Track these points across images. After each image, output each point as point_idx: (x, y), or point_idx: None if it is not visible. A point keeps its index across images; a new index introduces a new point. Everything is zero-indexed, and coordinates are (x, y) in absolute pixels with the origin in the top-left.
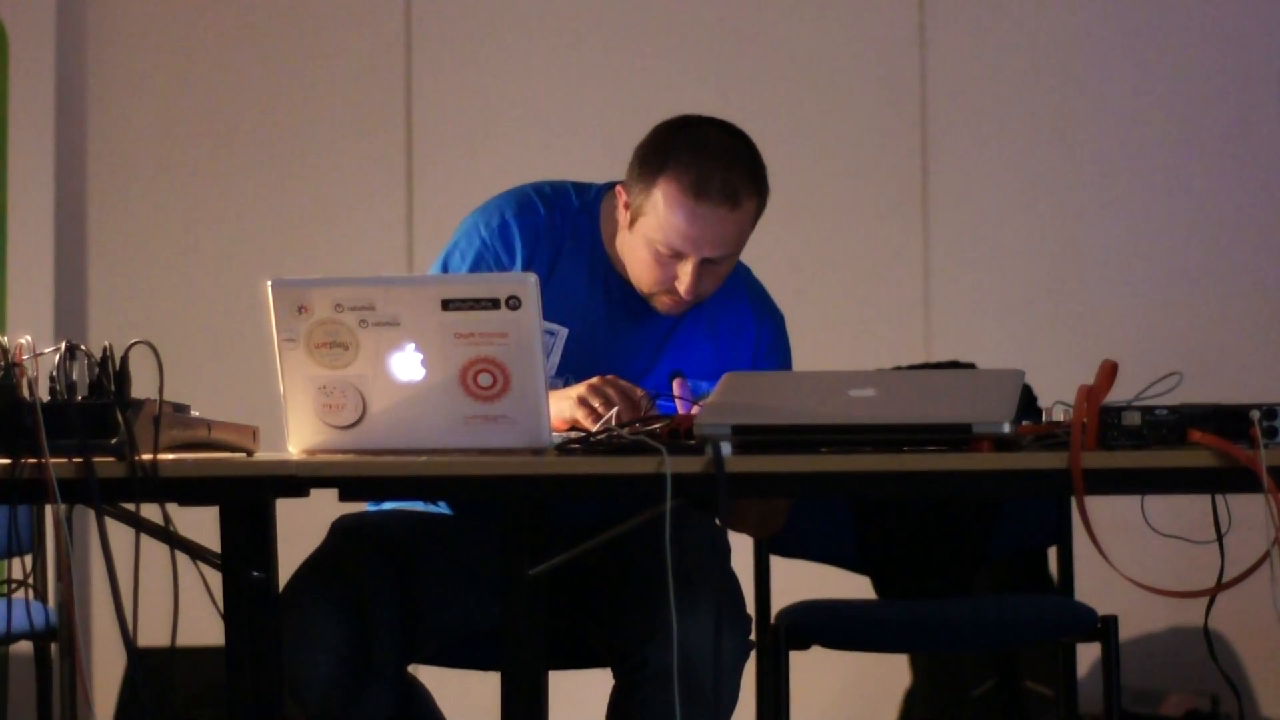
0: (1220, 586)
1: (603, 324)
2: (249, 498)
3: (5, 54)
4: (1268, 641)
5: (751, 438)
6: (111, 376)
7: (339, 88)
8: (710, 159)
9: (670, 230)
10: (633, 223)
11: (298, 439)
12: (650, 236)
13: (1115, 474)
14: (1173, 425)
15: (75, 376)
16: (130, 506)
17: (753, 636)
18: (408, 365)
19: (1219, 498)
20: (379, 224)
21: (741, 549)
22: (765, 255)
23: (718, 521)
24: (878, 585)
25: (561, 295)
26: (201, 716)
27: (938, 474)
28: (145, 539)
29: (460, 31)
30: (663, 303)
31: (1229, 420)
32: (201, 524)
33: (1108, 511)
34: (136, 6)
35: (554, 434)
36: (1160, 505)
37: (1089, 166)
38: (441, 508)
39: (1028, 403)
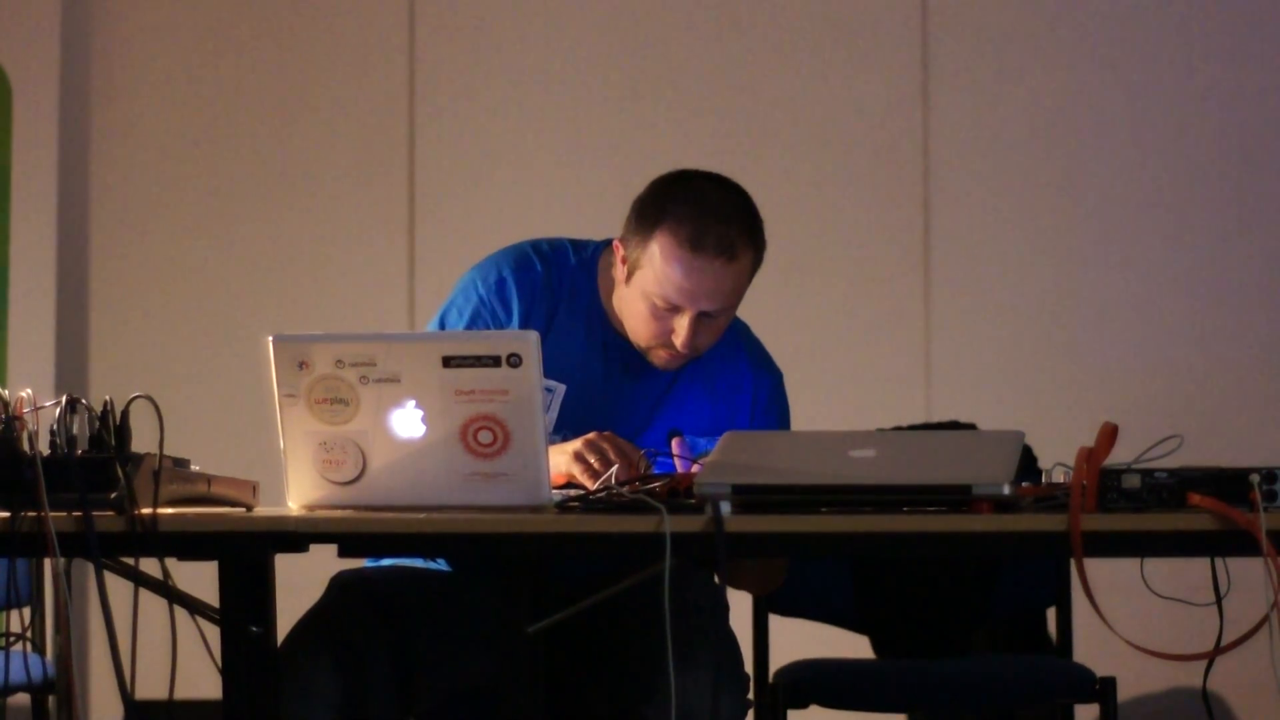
0: (1219, 649)
1: (600, 381)
2: (248, 553)
3: (9, 103)
4: (1267, 704)
5: (751, 497)
6: (112, 430)
7: (342, 141)
8: (707, 212)
9: (667, 283)
10: (629, 276)
11: (297, 494)
12: (647, 289)
13: (1114, 536)
14: (1172, 488)
15: (75, 430)
16: (129, 561)
17: (751, 695)
18: (408, 422)
19: (1218, 560)
20: (381, 278)
21: (740, 607)
22: (766, 313)
23: (716, 579)
24: (876, 645)
25: (559, 352)
26: None
27: (937, 535)
28: (144, 593)
29: (463, 84)
30: (659, 357)
31: (1229, 483)
32: (200, 578)
33: (1107, 573)
34: (140, 57)
35: (553, 491)
36: (1159, 567)
37: (1091, 229)
38: (440, 564)
39: (1028, 464)
